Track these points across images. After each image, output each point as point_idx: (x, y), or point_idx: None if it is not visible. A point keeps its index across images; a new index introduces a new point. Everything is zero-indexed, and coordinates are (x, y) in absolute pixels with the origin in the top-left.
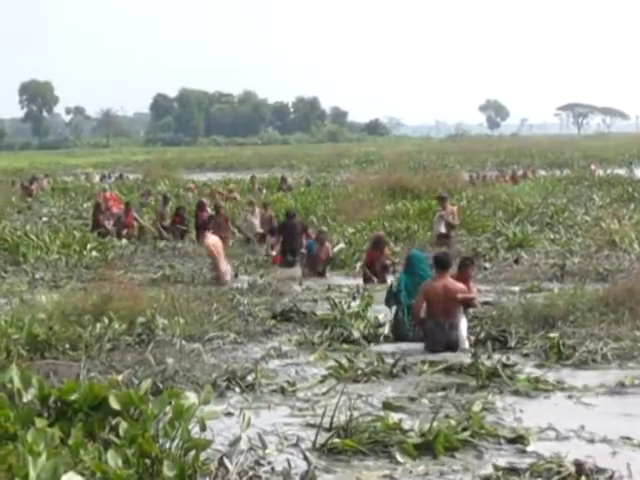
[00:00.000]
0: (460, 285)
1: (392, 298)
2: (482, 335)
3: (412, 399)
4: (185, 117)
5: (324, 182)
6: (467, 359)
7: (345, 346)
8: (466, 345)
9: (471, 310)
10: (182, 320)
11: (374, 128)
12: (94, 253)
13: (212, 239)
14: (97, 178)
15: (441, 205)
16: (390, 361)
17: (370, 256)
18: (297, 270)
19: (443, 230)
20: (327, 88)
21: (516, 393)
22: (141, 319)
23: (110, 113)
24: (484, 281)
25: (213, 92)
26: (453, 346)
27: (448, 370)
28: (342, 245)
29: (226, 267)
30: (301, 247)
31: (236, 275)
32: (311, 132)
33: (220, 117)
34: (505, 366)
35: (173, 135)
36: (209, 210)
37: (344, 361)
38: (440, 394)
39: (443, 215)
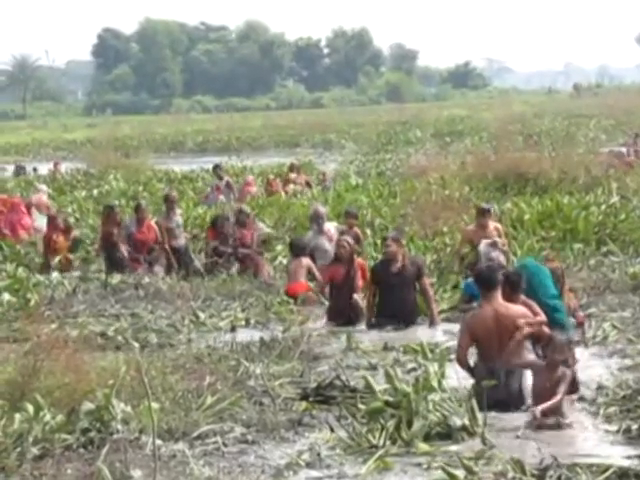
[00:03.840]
0: (519, 308)
1: None
2: None
3: None
4: (150, 66)
5: (381, 170)
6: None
7: (424, 446)
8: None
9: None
10: (155, 405)
11: (463, 77)
12: (6, 296)
13: None
14: (9, 171)
15: (479, 222)
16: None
17: None
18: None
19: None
20: (383, 15)
21: None
22: (88, 405)
23: (27, 63)
24: None
25: (196, 25)
26: (514, 403)
27: (624, 477)
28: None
29: None
30: (408, 305)
31: (233, 329)
32: (359, 86)
33: (208, 65)
34: None
35: (131, 97)
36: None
37: (458, 471)
38: None
39: (497, 243)
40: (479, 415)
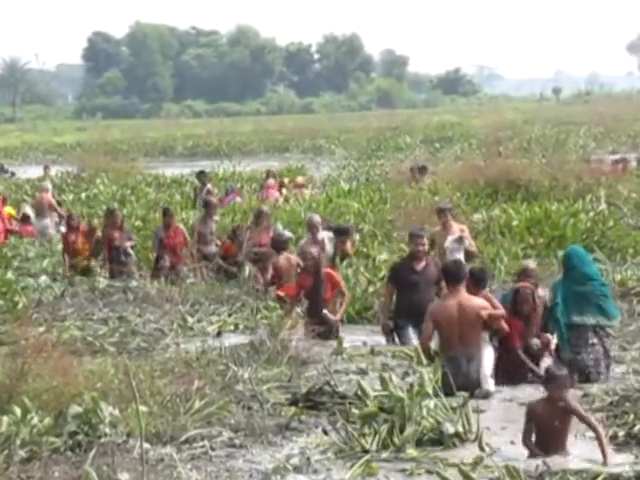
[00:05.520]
0: (480, 301)
1: (550, 317)
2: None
3: None
4: (141, 70)
5: (369, 176)
6: None
7: (413, 452)
8: (490, 386)
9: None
10: (143, 409)
11: (453, 84)
12: None
13: None
14: None
15: (442, 223)
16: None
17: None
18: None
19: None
20: (373, 21)
21: None
22: (75, 408)
23: (17, 66)
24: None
25: (186, 29)
26: (472, 387)
27: None
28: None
29: None
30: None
31: (219, 334)
32: (349, 92)
33: (199, 70)
34: None
35: (121, 101)
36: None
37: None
38: None
39: (462, 239)
40: (473, 421)
